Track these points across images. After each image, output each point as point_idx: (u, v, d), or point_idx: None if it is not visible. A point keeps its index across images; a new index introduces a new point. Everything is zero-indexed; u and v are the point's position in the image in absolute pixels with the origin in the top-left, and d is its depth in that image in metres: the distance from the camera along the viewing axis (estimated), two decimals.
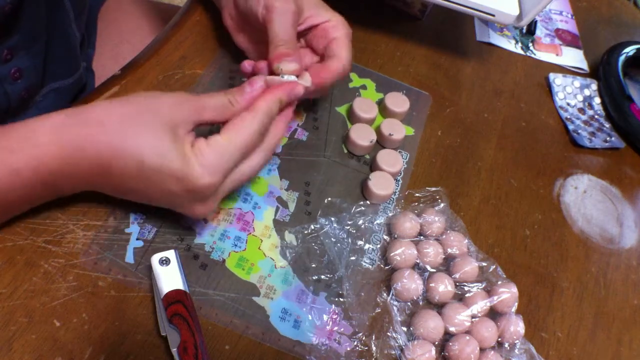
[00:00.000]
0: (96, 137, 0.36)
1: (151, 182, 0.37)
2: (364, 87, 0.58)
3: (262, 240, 0.45)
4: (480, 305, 0.45)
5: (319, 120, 0.53)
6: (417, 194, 0.51)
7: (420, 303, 0.45)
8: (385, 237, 0.48)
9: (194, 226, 0.44)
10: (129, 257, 0.41)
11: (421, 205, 0.50)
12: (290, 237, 0.45)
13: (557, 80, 0.67)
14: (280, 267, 0.44)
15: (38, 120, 0.36)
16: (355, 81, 0.58)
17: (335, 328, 0.42)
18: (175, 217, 0.43)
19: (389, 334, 0.43)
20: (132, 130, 0.36)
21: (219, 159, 0.37)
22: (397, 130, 0.52)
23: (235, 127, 0.38)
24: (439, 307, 0.45)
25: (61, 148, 0.35)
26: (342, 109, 0.55)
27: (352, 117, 0.54)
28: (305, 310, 0.42)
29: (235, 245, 0.44)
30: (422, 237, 0.48)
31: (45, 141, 0.35)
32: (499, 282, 0.47)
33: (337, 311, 0.43)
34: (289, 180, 0.48)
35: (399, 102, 0.55)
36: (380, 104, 0.56)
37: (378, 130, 0.53)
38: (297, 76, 0.43)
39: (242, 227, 0.45)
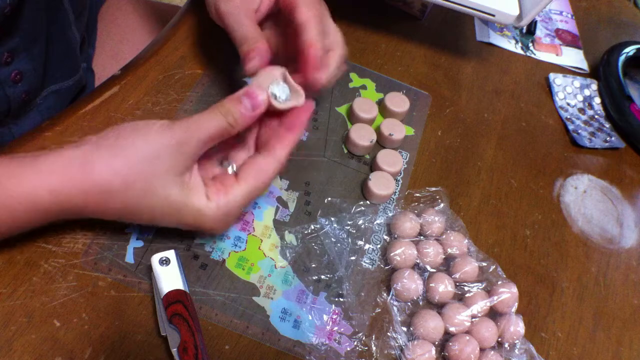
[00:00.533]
0: (101, 204, 0.36)
1: (165, 225, 0.39)
2: (364, 87, 0.58)
3: (262, 240, 0.45)
4: (480, 305, 0.45)
5: (319, 120, 0.53)
6: (417, 194, 0.51)
7: (420, 303, 0.45)
8: (385, 237, 0.48)
9: None
10: (129, 257, 0.41)
11: (421, 205, 0.50)
12: (290, 237, 0.45)
13: (557, 80, 0.67)
14: (280, 267, 0.44)
15: (38, 183, 0.34)
16: (355, 81, 0.58)
17: (335, 328, 0.42)
18: None
19: (389, 334, 0.43)
20: (140, 196, 0.36)
21: (237, 210, 0.39)
22: (397, 130, 0.52)
23: (256, 176, 0.38)
24: (439, 307, 0.45)
25: (64, 211, 0.36)
26: (342, 109, 0.55)
27: (352, 117, 0.54)
28: (305, 310, 0.42)
29: (235, 245, 0.44)
30: (422, 237, 0.48)
31: (49, 207, 0.35)
32: (499, 282, 0.47)
33: (337, 311, 0.43)
34: (289, 180, 0.48)
35: (399, 102, 0.55)
36: (380, 104, 0.56)
37: (378, 130, 0.53)
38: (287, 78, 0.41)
39: (242, 227, 0.45)
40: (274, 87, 0.40)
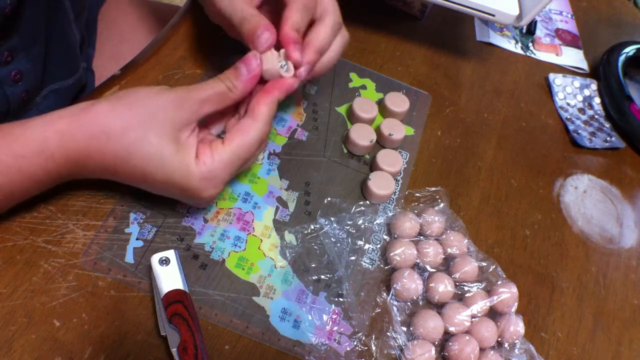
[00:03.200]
0: (101, 146, 0.37)
1: (156, 187, 0.39)
2: (363, 87, 0.58)
3: (262, 240, 0.45)
4: (480, 305, 0.45)
5: (319, 120, 0.53)
6: (417, 194, 0.51)
7: (420, 303, 0.45)
8: (385, 237, 0.48)
9: (194, 226, 0.44)
10: (129, 257, 0.41)
11: (421, 205, 0.50)
12: (290, 237, 0.45)
13: (557, 80, 0.67)
14: (280, 267, 0.44)
15: (47, 126, 0.36)
16: (355, 81, 0.58)
17: (335, 328, 0.42)
18: (175, 217, 0.43)
19: (388, 334, 0.43)
20: (136, 142, 0.37)
21: (223, 172, 0.39)
22: (397, 130, 0.52)
23: (239, 137, 0.39)
24: (439, 307, 0.45)
25: (68, 157, 0.37)
26: (342, 109, 0.55)
27: (352, 117, 0.54)
28: (305, 310, 0.42)
29: (235, 245, 0.44)
30: (422, 237, 0.48)
31: (55, 151, 0.36)
32: (499, 282, 0.47)
33: (337, 311, 0.43)
34: (288, 180, 0.48)
35: (398, 102, 0.55)
36: (380, 103, 0.56)
37: (378, 130, 0.53)
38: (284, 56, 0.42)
39: (242, 227, 0.45)
40: (272, 59, 0.41)
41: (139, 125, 0.37)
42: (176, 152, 0.37)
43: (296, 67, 0.42)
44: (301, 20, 0.42)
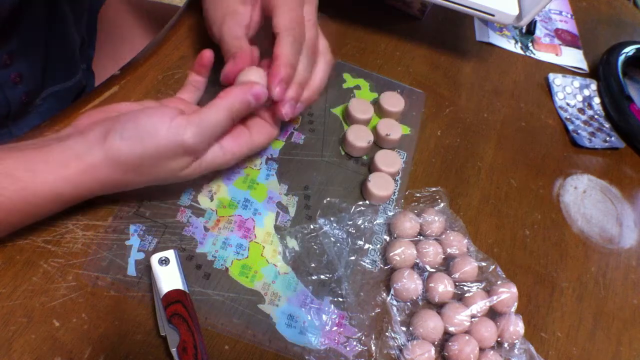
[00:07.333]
0: (104, 129, 0.37)
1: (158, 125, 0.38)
2: (357, 87, 0.57)
3: (264, 247, 0.44)
4: (480, 305, 0.45)
5: (315, 123, 0.53)
6: (416, 194, 0.51)
7: (420, 303, 0.45)
8: (385, 237, 0.48)
9: (195, 235, 0.43)
10: (129, 257, 0.41)
11: (421, 205, 0.50)
12: (292, 243, 0.45)
13: (557, 80, 0.67)
14: (284, 274, 0.44)
15: (57, 177, 0.36)
16: (349, 82, 0.58)
17: (335, 328, 0.42)
18: (176, 226, 0.43)
19: (388, 334, 0.43)
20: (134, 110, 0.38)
21: (199, 124, 0.38)
22: (394, 130, 0.52)
23: (201, 110, 0.39)
24: (439, 307, 0.45)
25: (79, 196, 0.38)
26: (337, 110, 0.55)
27: (349, 118, 0.54)
28: (304, 311, 0.42)
29: (238, 253, 0.44)
30: (421, 237, 0.48)
31: (68, 197, 0.37)
32: (499, 282, 0.47)
33: (336, 311, 0.43)
34: (287, 185, 0.48)
35: (394, 101, 0.55)
36: (375, 103, 0.55)
37: (375, 131, 0.52)
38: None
39: (243, 235, 0.45)
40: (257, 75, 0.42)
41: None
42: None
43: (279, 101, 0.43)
44: (292, 56, 0.43)
